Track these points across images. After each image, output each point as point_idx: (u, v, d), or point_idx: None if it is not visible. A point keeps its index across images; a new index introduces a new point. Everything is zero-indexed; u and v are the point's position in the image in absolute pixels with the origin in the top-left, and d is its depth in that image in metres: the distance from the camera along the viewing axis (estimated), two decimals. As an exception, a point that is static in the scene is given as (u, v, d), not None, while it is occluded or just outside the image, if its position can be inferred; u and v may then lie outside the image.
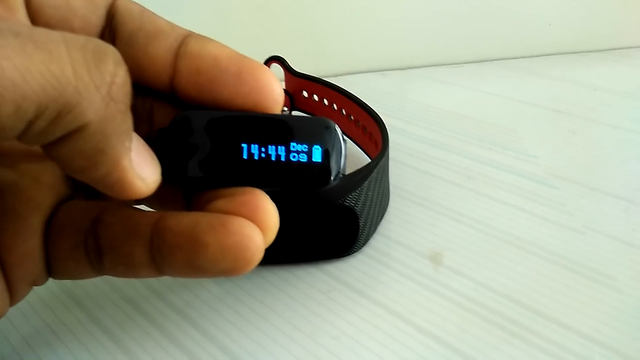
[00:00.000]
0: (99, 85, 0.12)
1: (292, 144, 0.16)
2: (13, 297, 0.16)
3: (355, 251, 0.25)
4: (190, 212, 0.15)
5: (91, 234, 0.16)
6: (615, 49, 0.57)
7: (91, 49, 0.12)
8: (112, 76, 0.12)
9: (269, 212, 0.15)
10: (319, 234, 0.24)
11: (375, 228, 0.27)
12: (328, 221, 0.24)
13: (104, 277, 0.23)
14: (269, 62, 0.37)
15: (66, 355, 0.20)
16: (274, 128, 0.16)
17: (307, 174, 0.16)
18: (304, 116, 0.17)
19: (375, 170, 0.25)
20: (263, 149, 0.15)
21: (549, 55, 0.55)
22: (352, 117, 0.34)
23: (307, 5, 0.48)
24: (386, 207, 0.28)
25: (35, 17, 0.15)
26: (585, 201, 0.29)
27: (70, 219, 0.17)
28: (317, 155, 0.16)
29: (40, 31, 0.11)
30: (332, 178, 0.16)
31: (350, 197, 0.23)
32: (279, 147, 0.16)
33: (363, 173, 0.24)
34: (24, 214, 0.16)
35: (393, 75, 0.50)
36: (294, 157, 0.16)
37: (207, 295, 0.23)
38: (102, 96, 0.12)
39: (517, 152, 0.35)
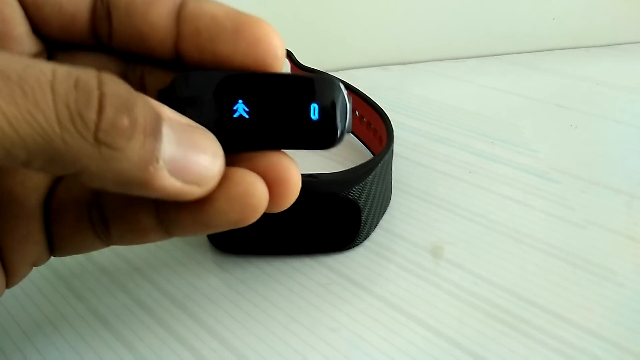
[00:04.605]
0: (84, 134, 0.11)
1: (295, 101, 0.15)
2: (12, 278, 0.16)
3: (356, 245, 0.25)
4: None
5: (95, 207, 0.16)
6: (617, 44, 0.57)
7: (77, 94, 0.11)
8: (96, 123, 0.12)
9: (294, 170, 0.15)
10: (321, 227, 0.24)
11: (377, 222, 0.27)
12: (330, 214, 0.24)
13: (102, 268, 0.24)
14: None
15: (65, 348, 0.20)
16: (276, 86, 0.15)
17: (311, 133, 0.15)
18: (307, 74, 0.16)
19: (380, 164, 0.25)
20: (265, 108, 0.15)
21: (552, 50, 0.55)
22: (357, 113, 0.33)
23: (310, 0, 0.48)
24: (388, 202, 0.28)
25: None
26: (586, 195, 0.29)
27: (71, 195, 0.16)
28: (321, 113, 0.15)
29: (31, 73, 0.11)
30: (337, 136, 0.15)
31: (354, 191, 0.23)
32: (282, 105, 0.15)
33: (368, 167, 0.24)
34: (20, 197, 0.16)
35: (395, 70, 0.50)
36: (297, 115, 0.15)
37: (205, 287, 0.23)
38: (91, 144, 0.12)
39: (518, 147, 0.35)
